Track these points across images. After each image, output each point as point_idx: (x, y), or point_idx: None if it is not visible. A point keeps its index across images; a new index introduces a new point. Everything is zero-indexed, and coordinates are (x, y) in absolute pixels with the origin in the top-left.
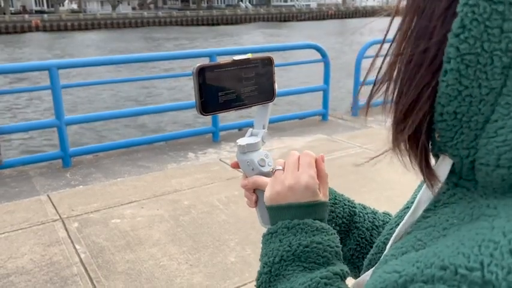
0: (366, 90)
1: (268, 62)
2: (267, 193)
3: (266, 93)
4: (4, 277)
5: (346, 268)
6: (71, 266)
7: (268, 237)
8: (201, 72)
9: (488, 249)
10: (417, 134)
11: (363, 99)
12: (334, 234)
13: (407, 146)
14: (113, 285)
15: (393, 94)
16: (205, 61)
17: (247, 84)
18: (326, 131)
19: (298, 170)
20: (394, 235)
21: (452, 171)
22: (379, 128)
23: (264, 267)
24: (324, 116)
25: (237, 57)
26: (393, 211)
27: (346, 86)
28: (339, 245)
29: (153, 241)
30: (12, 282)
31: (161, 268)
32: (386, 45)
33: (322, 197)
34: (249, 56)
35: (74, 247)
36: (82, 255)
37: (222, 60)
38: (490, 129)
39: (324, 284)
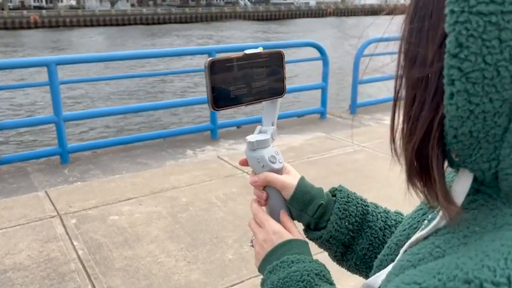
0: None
1: (279, 57)
2: (256, 262)
3: (276, 88)
4: (1, 273)
5: None
6: (68, 262)
7: None
8: (213, 66)
9: None
10: (430, 171)
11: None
12: (315, 262)
13: (423, 183)
14: (110, 282)
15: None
16: (204, 58)
17: (258, 79)
18: (324, 129)
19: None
20: (410, 240)
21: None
22: (377, 126)
23: None
24: (323, 114)
25: (248, 51)
26: (393, 209)
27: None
28: (324, 269)
29: (151, 238)
30: (9, 278)
31: (159, 265)
32: (386, 44)
33: (293, 234)
34: (260, 49)
35: (72, 243)
36: (80, 252)
37: (233, 54)
38: (510, 139)
39: None
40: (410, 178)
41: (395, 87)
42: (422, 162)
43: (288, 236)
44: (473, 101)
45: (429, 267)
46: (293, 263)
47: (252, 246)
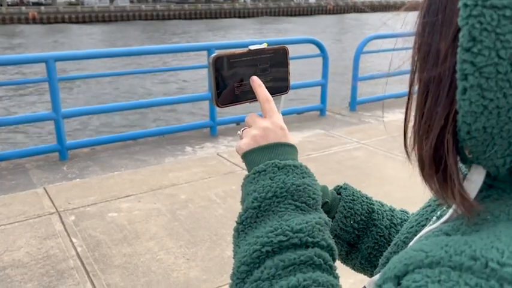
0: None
1: (283, 52)
2: (240, 144)
3: (281, 85)
4: (0, 270)
5: (328, 218)
6: (67, 259)
7: (255, 176)
8: (217, 62)
9: None
10: (445, 167)
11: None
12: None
13: (437, 180)
14: (109, 279)
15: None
16: (204, 55)
17: (262, 75)
18: (324, 126)
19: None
20: (419, 235)
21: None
22: (377, 123)
23: (252, 202)
24: (322, 111)
25: (252, 47)
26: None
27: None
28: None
29: (150, 235)
30: (8, 275)
31: (158, 262)
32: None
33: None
34: (264, 45)
35: (71, 240)
36: (78, 249)
37: (238, 49)
38: None
39: (318, 229)
40: (425, 175)
41: (409, 83)
42: (437, 158)
43: (294, 143)
44: (486, 96)
45: (439, 240)
46: (306, 174)
47: (241, 132)
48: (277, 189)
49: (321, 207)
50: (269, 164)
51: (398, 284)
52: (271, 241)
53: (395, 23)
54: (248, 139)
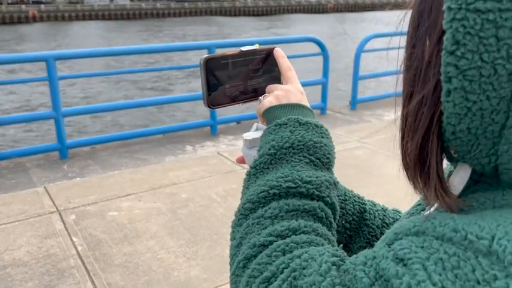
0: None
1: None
2: (263, 102)
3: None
4: (1, 269)
5: (337, 180)
6: (67, 258)
7: (276, 127)
8: (208, 63)
9: (505, 229)
10: (428, 167)
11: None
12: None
13: (423, 185)
14: (110, 278)
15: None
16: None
17: (255, 76)
18: (324, 124)
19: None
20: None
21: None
22: (378, 122)
23: (269, 149)
24: (323, 110)
25: (244, 48)
26: (392, 206)
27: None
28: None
29: (150, 234)
30: (8, 274)
31: (158, 261)
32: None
33: None
34: (256, 46)
35: (71, 239)
36: (79, 248)
37: (229, 50)
38: (508, 135)
39: (326, 186)
40: (409, 174)
41: (399, 83)
42: (421, 158)
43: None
44: (470, 99)
45: (425, 215)
46: (325, 135)
47: (260, 101)
48: (295, 141)
49: None
50: (291, 118)
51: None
52: (280, 185)
53: (396, 21)
54: (271, 97)
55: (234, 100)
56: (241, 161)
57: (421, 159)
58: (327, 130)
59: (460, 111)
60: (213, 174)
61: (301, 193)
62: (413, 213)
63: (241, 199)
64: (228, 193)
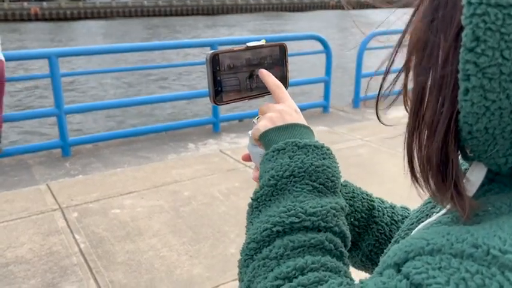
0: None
1: (282, 49)
2: (257, 126)
3: (279, 82)
4: (3, 266)
5: (345, 203)
6: (70, 256)
7: (274, 154)
8: (215, 59)
9: None
10: (446, 167)
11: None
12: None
13: (436, 187)
14: (112, 276)
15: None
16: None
17: None
18: (327, 123)
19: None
20: (418, 227)
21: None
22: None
23: (269, 179)
24: (325, 108)
25: (250, 44)
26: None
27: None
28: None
29: (153, 232)
30: (11, 271)
31: (161, 259)
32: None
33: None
34: (262, 42)
35: (74, 237)
36: (81, 245)
37: (236, 46)
38: None
39: (332, 214)
40: (420, 177)
41: (404, 82)
42: (438, 160)
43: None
44: (489, 97)
45: (440, 229)
46: (326, 155)
47: (256, 120)
48: (295, 168)
49: None
50: (289, 142)
51: (399, 271)
52: (283, 221)
53: (399, 19)
54: (265, 121)
55: (240, 96)
56: (247, 158)
57: (437, 161)
58: (328, 149)
59: (478, 111)
60: (216, 172)
61: (306, 227)
62: (423, 211)
63: (245, 234)
64: (230, 191)
